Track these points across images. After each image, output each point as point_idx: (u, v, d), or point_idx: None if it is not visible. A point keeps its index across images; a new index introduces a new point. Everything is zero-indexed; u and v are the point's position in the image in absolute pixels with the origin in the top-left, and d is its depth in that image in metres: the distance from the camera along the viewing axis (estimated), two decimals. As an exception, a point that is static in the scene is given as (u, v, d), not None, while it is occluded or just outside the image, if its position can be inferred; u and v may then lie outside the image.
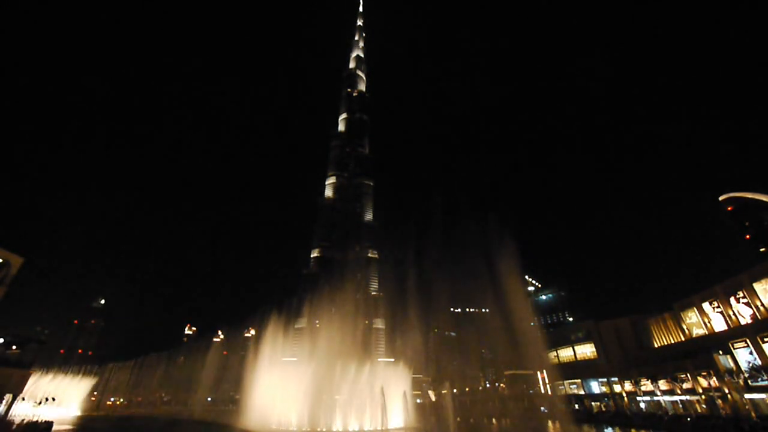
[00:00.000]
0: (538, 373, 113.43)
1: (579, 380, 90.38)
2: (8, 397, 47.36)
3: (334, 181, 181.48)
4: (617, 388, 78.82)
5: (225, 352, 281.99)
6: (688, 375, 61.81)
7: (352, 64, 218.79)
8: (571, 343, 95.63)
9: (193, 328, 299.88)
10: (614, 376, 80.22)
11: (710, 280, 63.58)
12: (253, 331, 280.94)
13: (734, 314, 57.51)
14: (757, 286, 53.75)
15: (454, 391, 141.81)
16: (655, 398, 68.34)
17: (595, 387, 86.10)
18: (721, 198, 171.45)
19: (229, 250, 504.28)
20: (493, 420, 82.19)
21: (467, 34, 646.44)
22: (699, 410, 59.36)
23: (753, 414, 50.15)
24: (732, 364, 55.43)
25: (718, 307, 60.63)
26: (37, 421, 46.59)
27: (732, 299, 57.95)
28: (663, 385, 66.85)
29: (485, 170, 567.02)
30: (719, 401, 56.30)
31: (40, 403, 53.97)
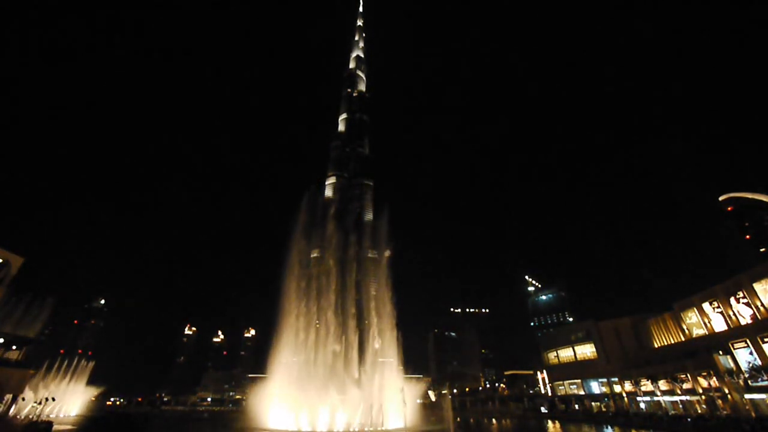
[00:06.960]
0: (538, 373, 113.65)
1: (579, 380, 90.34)
2: (8, 397, 47.33)
3: (334, 181, 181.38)
4: (617, 388, 78.77)
5: (225, 353, 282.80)
6: (688, 375, 61.75)
7: (352, 65, 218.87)
8: (571, 343, 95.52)
9: (193, 328, 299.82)
10: (614, 376, 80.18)
11: (710, 280, 63.81)
12: (252, 331, 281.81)
13: (734, 314, 57.46)
14: (757, 287, 53.68)
15: (454, 391, 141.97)
16: (655, 398, 68.26)
17: (595, 387, 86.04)
18: (721, 198, 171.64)
19: (229, 250, 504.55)
20: (493, 420, 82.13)
21: (468, 32, 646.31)
22: (699, 410, 59.25)
23: (753, 414, 50.02)
24: (732, 365, 55.40)
25: (719, 307, 60.58)
26: (37, 421, 46.51)
27: (732, 299, 57.89)
28: (663, 385, 66.77)
29: (485, 171, 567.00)
30: (719, 401, 56.24)
31: (40, 403, 53.84)
